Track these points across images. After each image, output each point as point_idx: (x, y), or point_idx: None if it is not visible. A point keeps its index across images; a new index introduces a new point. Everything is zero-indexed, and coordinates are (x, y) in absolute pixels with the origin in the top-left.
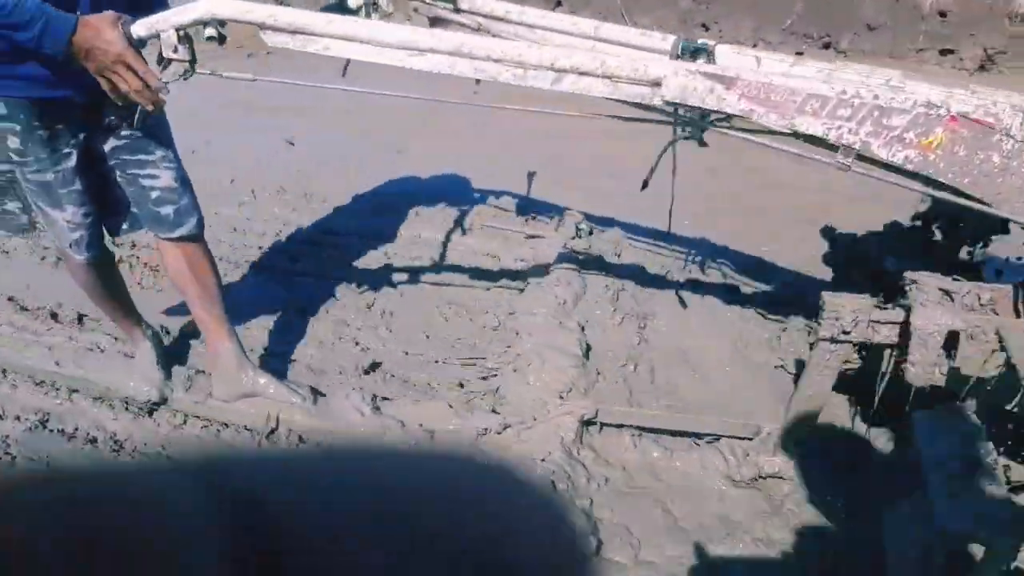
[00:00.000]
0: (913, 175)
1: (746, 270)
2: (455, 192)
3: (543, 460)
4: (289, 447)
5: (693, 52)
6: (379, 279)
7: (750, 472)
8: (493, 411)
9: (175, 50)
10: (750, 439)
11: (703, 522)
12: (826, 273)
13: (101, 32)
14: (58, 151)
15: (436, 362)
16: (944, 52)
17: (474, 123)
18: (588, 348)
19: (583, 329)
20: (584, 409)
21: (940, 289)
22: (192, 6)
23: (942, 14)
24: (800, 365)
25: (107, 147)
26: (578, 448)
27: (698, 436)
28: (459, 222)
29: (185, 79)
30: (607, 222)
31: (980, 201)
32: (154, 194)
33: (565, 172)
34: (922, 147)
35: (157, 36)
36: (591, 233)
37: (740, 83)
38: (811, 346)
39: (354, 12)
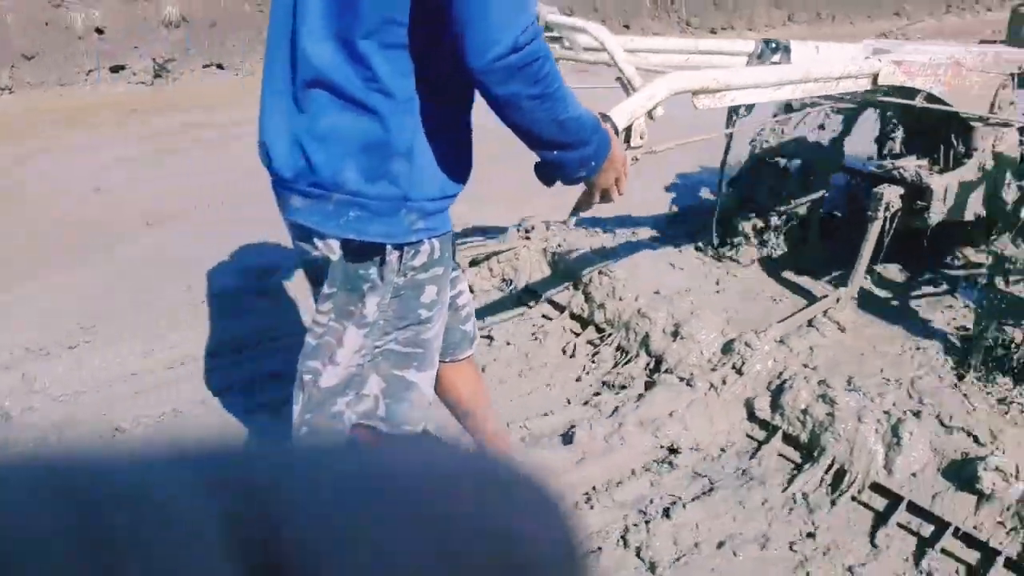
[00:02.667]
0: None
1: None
2: None
3: None
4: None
5: (774, 49)
6: None
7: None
8: None
9: (641, 136)
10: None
11: None
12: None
13: (616, 140)
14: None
15: None
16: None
17: None
18: None
19: None
20: None
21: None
22: (654, 88)
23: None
24: None
25: None
26: None
27: None
28: None
29: (633, 164)
30: None
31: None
32: (464, 312)
33: None
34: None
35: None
36: None
37: (905, 64)
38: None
39: None
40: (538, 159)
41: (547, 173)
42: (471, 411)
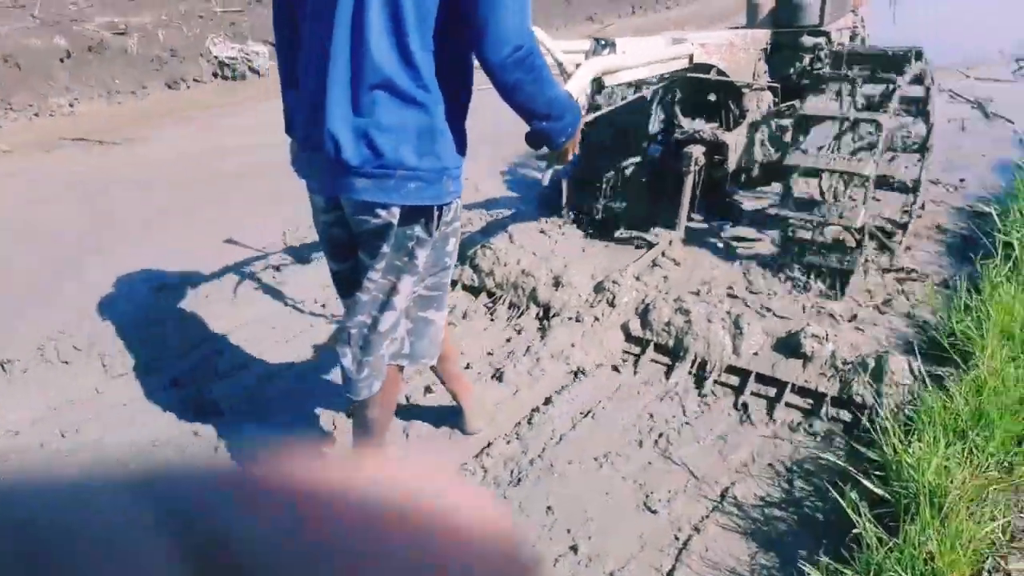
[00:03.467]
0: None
1: None
2: None
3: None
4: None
5: (604, 45)
6: None
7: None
8: None
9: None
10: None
11: None
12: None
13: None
14: None
15: None
16: None
17: None
18: None
19: None
20: None
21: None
22: (584, 71)
23: None
24: None
25: None
26: None
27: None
28: None
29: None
30: None
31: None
32: None
33: None
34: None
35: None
36: None
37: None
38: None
39: None
40: (530, 130)
41: (538, 141)
42: (447, 354)
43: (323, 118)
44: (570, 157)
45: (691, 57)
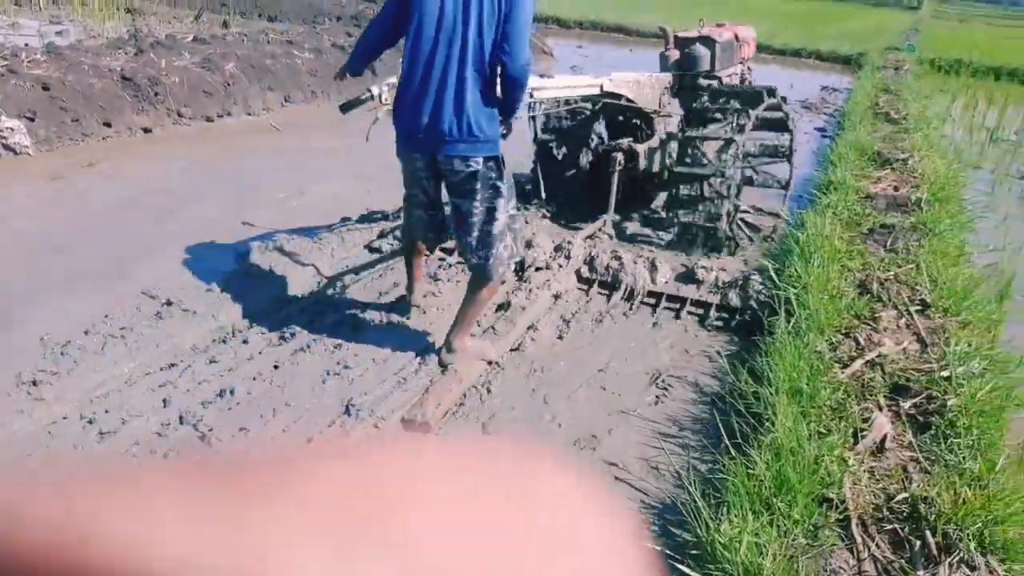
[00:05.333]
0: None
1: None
2: None
3: None
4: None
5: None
6: None
7: None
8: None
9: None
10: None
11: None
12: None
13: None
14: None
15: None
16: None
17: None
18: None
19: None
20: None
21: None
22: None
23: None
24: None
25: None
26: None
27: None
28: None
29: None
30: None
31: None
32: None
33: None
34: (632, 91)
35: None
36: None
37: (614, 80)
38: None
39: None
40: (507, 105)
41: (510, 113)
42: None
43: (449, 107)
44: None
45: (602, 86)
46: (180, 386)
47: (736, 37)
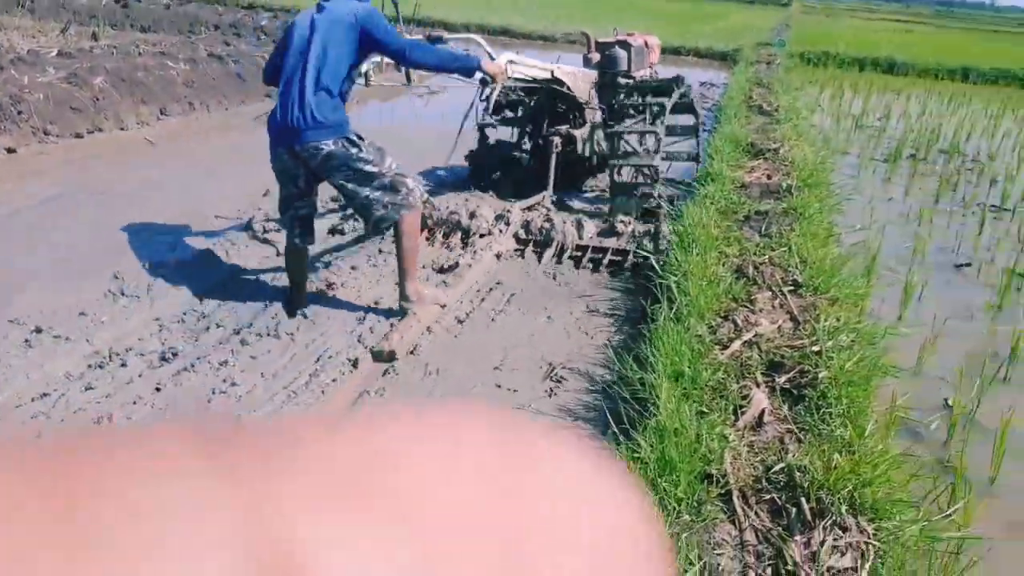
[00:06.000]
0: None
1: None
2: None
3: None
4: None
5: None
6: None
7: None
8: None
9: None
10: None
11: None
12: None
13: (486, 62)
14: None
15: None
16: None
17: None
18: None
19: None
20: None
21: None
22: (506, 55)
23: None
24: None
25: None
26: None
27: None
28: None
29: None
30: None
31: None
32: None
33: None
34: (570, 82)
35: None
36: None
37: (562, 70)
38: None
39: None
40: (443, 68)
41: (462, 76)
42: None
43: (296, 105)
44: (501, 79)
45: (552, 72)
46: (54, 416)
47: (646, 44)
